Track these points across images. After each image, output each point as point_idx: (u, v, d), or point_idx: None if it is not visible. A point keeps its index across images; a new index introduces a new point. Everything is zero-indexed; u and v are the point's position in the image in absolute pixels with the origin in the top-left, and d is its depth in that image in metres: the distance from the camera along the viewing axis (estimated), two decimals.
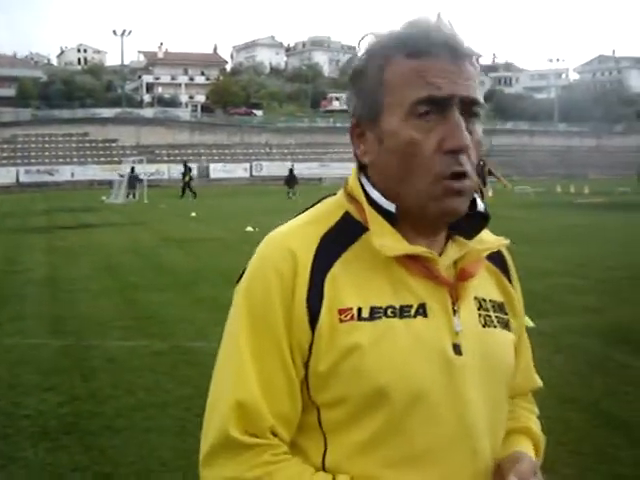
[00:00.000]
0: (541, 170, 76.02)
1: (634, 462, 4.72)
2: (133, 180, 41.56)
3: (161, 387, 6.31)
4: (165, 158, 66.52)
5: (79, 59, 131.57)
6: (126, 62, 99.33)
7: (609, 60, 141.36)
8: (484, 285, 1.46)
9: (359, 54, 1.39)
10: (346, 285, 1.32)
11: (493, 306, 1.45)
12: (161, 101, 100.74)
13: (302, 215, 1.44)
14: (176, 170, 56.97)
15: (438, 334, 1.32)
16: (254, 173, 66.43)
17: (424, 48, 1.29)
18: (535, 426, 1.59)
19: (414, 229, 1.37)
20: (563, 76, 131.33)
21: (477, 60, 1.36)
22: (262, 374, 1.31)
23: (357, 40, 1.40)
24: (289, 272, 1.31)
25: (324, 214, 1.41)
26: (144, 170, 44.07)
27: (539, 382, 1.67)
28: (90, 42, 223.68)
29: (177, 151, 68.69)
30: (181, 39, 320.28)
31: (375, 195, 1.37)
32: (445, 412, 1.30)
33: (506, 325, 1.47)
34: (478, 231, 1.43)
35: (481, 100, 1.33)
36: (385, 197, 1.35)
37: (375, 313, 1.30)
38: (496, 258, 1.53)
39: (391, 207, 1.34)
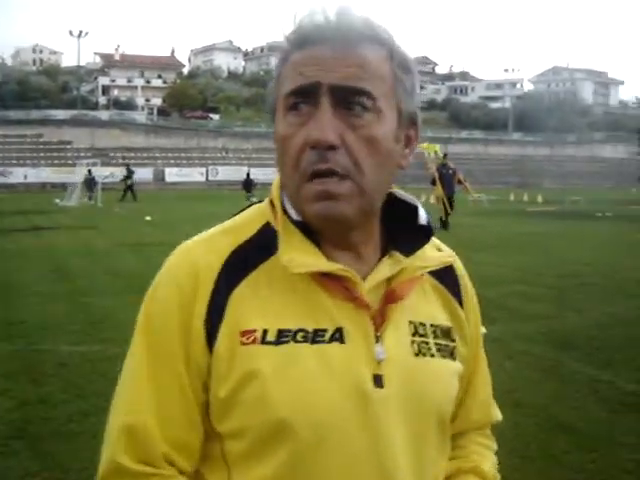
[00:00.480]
0: (495, 179, 76.85)
1: (582, 467, 4.80)
2: (90, 183, 41.18)
3: (113, 392, 6.24)
4: (120, 161, 65.74)
5: (34, 60, 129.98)
6: (82, 63, 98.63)
7: (563, 71, 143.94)
8: (425, 307, 1.30)
9: None
10: (254, 304, 1.18)
11: (435, 331, 1.29)
12: (117, 103, 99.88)
13: (224, 223, 1.30)
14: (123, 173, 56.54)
15: (355, 363, 1.17)
16: (210, 177, 66.12)
17: (310, 38, 1.15)
18: (488, 464, 1.43)
19: (331, 242, 1.22)
20: (518, 86, 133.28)
21: (390, 48, 1.19)
22: (157, 396, 1.19)
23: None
24: (190, 288, 1.19)
25: (244, 223, 1.28)
26: (98, 173, 43.59)
27: (498, 416, 1.53)
28: (46, 43, 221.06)
29: (132, 154, 68.08)
30: (138, 41, 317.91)
31: (287, 204, 1.24)
32: (359, 450, 1.15)
33: (450, 353, 1.31)
34: (419, 246, 1.27)
35: (369, 90, 1.14)
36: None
37: (283, 337, 1.16)
38: (446, 276, 1.37)
39: (298, 217, 1.21)
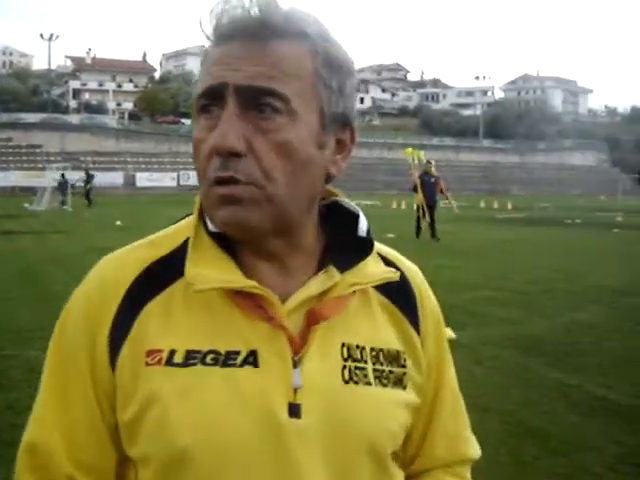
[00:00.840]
0: (466, 185, 77.28)
1: (552, 471, 4.84)
2: (64, 186, 40.91)
3: None
4: (91, 165, 65.35)
5: (4, 62, 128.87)
6: (53, 67, 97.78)
7: (533, 79, 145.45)
8: (367, 328, 1.16)
9: None
10: (164, 323, 1.08)
11: (377, 355, 1.15)
12: (88, 107, 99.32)
13: (151, 236, 1.20)
14: (102, 177, 56.18)
15: (268, 390, 1.05)
16: (182, 182, 65.77)
17: (224, 34, 1.04)
18: None
19: (250, 252, 1.12)
20: (489, 94, 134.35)
21: (312, 42, 1.07)
22: (63, 414, 1.12)
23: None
24: (97, 302, 1.12)
25: (168, 236, 1.18)
26: (68, 177, 43.28)
27: (472, 454, 1.35)
28: (16, 45, 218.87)
29: (103, 158, 67.69)
30: (110, 45, 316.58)
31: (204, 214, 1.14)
32: None
33: (398, 381, 1.17)
34: (357, 260, 1.15)
35: (280, 90, 1.02)
36: None
37: (191, 358, 1.06)
38: (399, 294, 1.23)
39: (214, 227, 1.11)
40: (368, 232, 1.19)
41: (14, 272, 13.88)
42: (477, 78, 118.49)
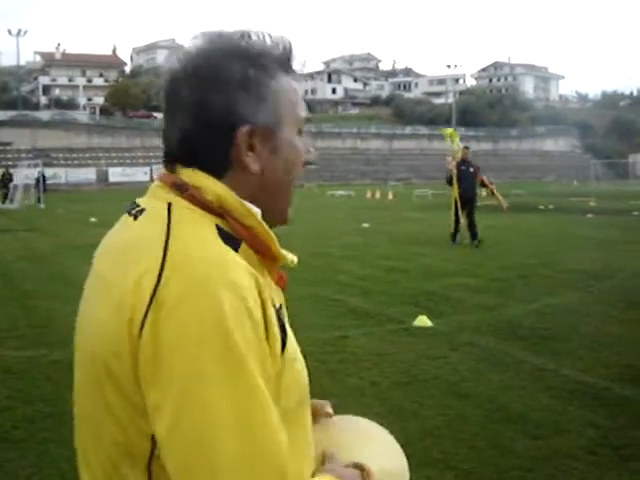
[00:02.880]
0: (440, 173, 77.61)
1: (529, 455, 4.89)
2: (43, 183, 40.62)
3: (60, 397, 6.14)
4: (62, 162, 64.94)
5: None
6: (22, 63, 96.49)
7: (504, 66, 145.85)
8: None
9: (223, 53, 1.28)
10: (265, 289, 1.21)
11: None
12: (58, 103, 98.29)
13: (194, 233, 1.20)
14: (74, 173, 55.85)
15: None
16: (154, 176, 65.16)
17: (294, 66, 1.37)
18: None
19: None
20: (461, 81, 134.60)
21: None
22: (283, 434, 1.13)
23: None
24: (254, 300, 1.14)
25: (208, 231, 1.21)
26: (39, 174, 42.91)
27: None
28: None
29: (75, 155, 67.20)
30: (79, 40, 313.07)
31: (250, 205, 1.27)
32: None
33: None
34: None
35: None
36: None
37: (280, 314, 1.25)
38: None
39: (259, 213, 1.29)
40: None
41: None
42: (449, 66, 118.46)
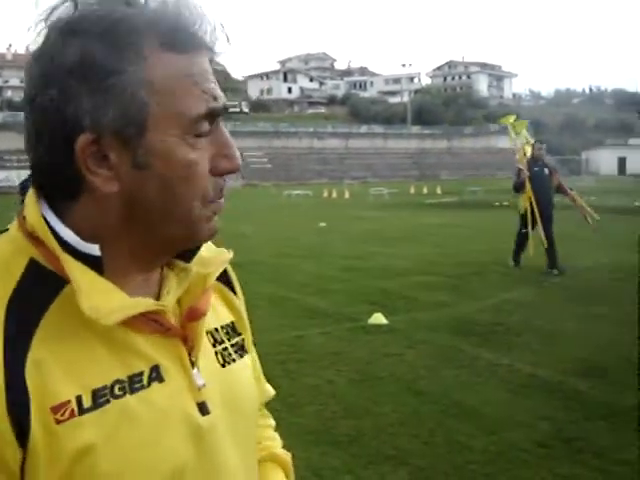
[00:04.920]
0: (395, 172, 78.16)
1: (484, 449, 4.92)
2: (26, 186, 40.01)
3: None
4: (15, 164, 63.93)
5: None
6: None
7: (459, 65, 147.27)
8: (211, 310, 1.16)
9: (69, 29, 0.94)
10: (55, 368, 0.93)
11: (227, 332, 1.21)
12: (11, 105, 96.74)
13: None
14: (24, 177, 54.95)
15: (179, 398, 1.04)
16: None
17: (184, 38, 0.97)
18: (278, 446, 1.40)
19: (134, 266, 1.05)
20: (415, 80, 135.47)
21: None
22: None
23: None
24: None
25: (2, 266, 0.99)
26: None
27: (271, 391, 1.45)
28: None
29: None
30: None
31: (67, 234, 0.98)
32: None
33: (241, 347, 1.23)
34: (196, 250, 1.13)
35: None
36: (88, 233, 0.99)
37: (99, 397, 0.95)
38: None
39: (93, 249, 0.98)
40: None
41: None
42: (403, 65, 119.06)
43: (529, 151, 13.28)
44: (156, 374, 1.02)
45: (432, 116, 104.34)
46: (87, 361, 0.96)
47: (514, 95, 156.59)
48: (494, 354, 7.20)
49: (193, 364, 1.06)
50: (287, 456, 1.40)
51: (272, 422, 1.47)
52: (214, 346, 1.15)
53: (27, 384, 0.90)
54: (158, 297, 1.08)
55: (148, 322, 1.02)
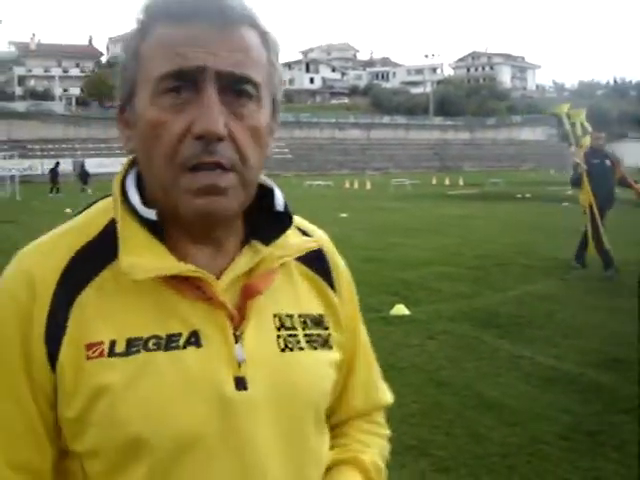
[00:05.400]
0: (417, 163, 77.92)
1: (505, 441, 4.92)
2: (55, 175, 40.40)
3: None
4: (38, 153, 64.40)
5: None
6: None
7: (482, 56, 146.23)
8: (293, 297, 1.22)
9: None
10: (99, 313, 1.06)
11: (304, 321, 1.21)
12: (34, 94, 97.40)
13: (66, 223, 1.16)
14: (50, 165, 55.39)
15: (214, 367, 1.08)
16: None
17: (181, 10, 1.04)
18: (369, 454, 1.34)
19: (187, 236, 1.12)
20: (438, 71, 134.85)
21: (263, 32, 1.11)
22: None
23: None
24: (26, 299, 1.06)
25: (87, 222, 1.14)
26: (16, 166, 42.55)
27: (385, 400, 1.45)
28: None
29: (51, 146, 66.65)
30: (54, 30, 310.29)
31: (133, 198, 1.11)
32: (224, 458, 1.07)
33: (325, 342, 1.22)
34: (278, 234, 1.18)
35: (254, 77, 1.06)
36: (149, 198, 1.11)
37: (133, 346, 1.05)
38: (316, 262, 1.28)
39: (150, 214, 1.09)
40: (286, 206, 1.21)
41: None
42: (426, 56, 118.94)
43: (588, 142, 12.09)
44: (195, 339, 1.07)
45: (454, 107, 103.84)
46: (130, 314, 1.07)
47: (537, 86, 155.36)
48: (515, 346, 7.18)
49: (237, 338, 1.10)
50: (373, 465, 1.33)
51: (380, 431, 1.43)
52: (278, 330, 1.16)
53: (68, 320, 1.05)
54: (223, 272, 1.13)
55: (192, 289, 1.08)
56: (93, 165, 63.53)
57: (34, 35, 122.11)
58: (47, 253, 1.10)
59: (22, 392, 1.06)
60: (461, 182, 44.93)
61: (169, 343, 1.06)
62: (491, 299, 9.50)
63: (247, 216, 1.19)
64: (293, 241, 1.21)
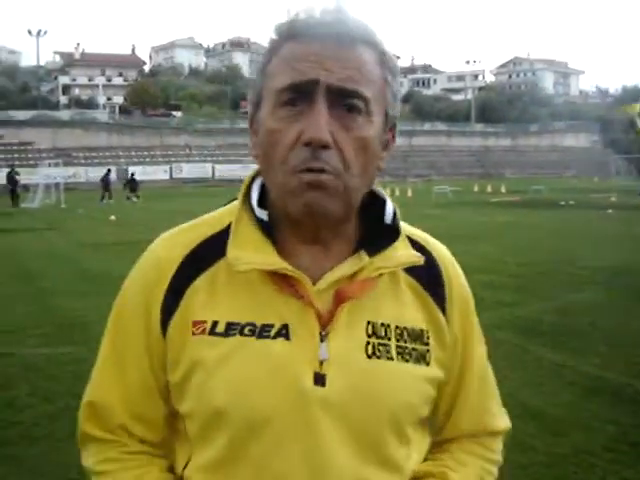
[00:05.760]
0: (459, 170, 77.51)
1: (549, 451, 4.87)
2: (107, 183, 40.92)
3: (82, 394, 6.19)
4: (82, 161, 65.37)
5: None
6: (42, 63, 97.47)
7: (524, 62, 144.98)
8: (393, 308, 1.27)
9: None
10: (208, 297, 1.24)
11: (401, 333, 1.26)
12: (78, 103, 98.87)
13: (200, 217, 1.36)
14: (94, 172, 56.21)
15: (297, 360, 1.19)
16: (174, 175, 65.80)
17: (305, 31, 1.16)
18: (461, 473, 1.34)
19: (296, 237, 1.25)
20: (480, 78, 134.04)
21: (381, 51, 1.21)
22: (120, 376, 1.31)
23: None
24: (152, 277, 1.28)
25: (215, 219, 1.33)
26: (60, 173, 43.13)
27: (498, 426, 1.45)
28: (4, 42, 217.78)
29: (95, 154, 67.60)
30: (98, 39, 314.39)
31: (253, 200, 1.28)
32: (291, 444, 1.18)
33: (421, 357, 1.27)
34: (384, 246, 1.26)
35: (364, 92, 1.16)
36: (268, 201, 1.27)
37: (230, 329, 1.21)
38: (427, 277, 1.33)
39: (263, 214, 1.26)
40: (394, 218, 1.30)
41: (8, 270, 13.86)
42: (468, 62, 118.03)
43: None
44: (285, 331, 1.20)
45: (496, 114, 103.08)
46: (233, 301, 1.23)
47: (581, 92, 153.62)
48: (559, 355, 7.11)
49: (323, 338, 1.20)
50: None
51: (487, 454, 1.42)
52: (369, 336, 1.24)
53: (182, 298, 1.24)
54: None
55: (289, 286, 1.21)
56: (136, 173, 64.51)
57: (78, 45, 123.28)
58: (176, 241, 1.30)
59: (142, 356, 1.29)
60: (503, 189, 44.60)
61: (262, 332, 1.20)
62: (534, 307, 9.41)
63: (360, 226, 1.30)
64: (398, 253, 1.27)
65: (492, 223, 21.76)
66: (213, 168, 67.78)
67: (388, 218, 1.29)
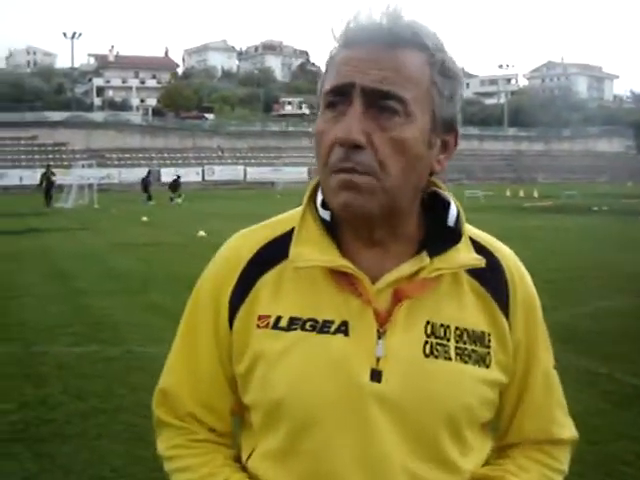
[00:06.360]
0: (491, 174, 77.04)
1: (582, 459, 4.77)
2: (147, 184, 41.30)
3: (113, 393, 6.25)
4: (116, 162, 65.90)
5: (28, 61, 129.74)
6: (76, 65, 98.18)
7: (557, 66, 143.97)
8: (454, 309, 1.28)
9: None
10: (273, 293, 1.29)
11: (461, 335, 1.27)
12: (112, 104, 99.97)
13: (272, 218, 1.42)
14: (127, 174, 56.68)
15: (354, 356, 1.22)
16: (206, 177, 66.09)
17: (353, 38, 1.20)
18: (522, 478, 1.32)
19: (356, 237, 1.28)
20: (513, 82, 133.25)
21: (431, 52, 1.21)
22: (191, 366, 1.38)
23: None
24: (225, 271, 1.35)
25: (285, 220, 1.38)
26: (94, 174, 43.51)
27: (562, 435, 1.41)
28: (39, 44, 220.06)
29: (128, 155, 68.10)
30: (132, 42, 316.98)
31: (318, 200, 1.32)
32: (345, 438, 1.22)
33: (481, 360, 1.27)
34: (445, 249, 1.27)
35: (400, 93, 1.17)
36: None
37: (293, 324, 1.26)
38: (489, 278, 1.33)
39: (325, 214, 1.30)
40: (458, 220, 1.31)
41: (41, 269, 14.01)
42: (500, 66, 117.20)
43: None
44: (344, 328, 1.24)
45: (529, 118, 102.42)
46: (297, 297, 1.28)
47: (615, 97, 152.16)
48: (592, 362, 7.03)
49: (380, 335, 1.23)
50: None
51: (550, 462, 1.39)
52: (428, 336, 1.25)
53: (250, 293, 1.30)
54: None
55: (348, 285, 1.25)
56: (170, 174, 64.86)
57: (112, 47, 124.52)
58: (248, 238, 1.37)
59: (212, 348, 1.35)
60: (535, 194, 44.24)
61: (323, 327, 1.24)
62: (567, 313, 9.29)
63: (424, 228, 1.32)
64: (459, 256, 1.28)
65: (525, 228, 21.57)
66: (245, 170, 67.96)
67: (451, 220, 1.31)
